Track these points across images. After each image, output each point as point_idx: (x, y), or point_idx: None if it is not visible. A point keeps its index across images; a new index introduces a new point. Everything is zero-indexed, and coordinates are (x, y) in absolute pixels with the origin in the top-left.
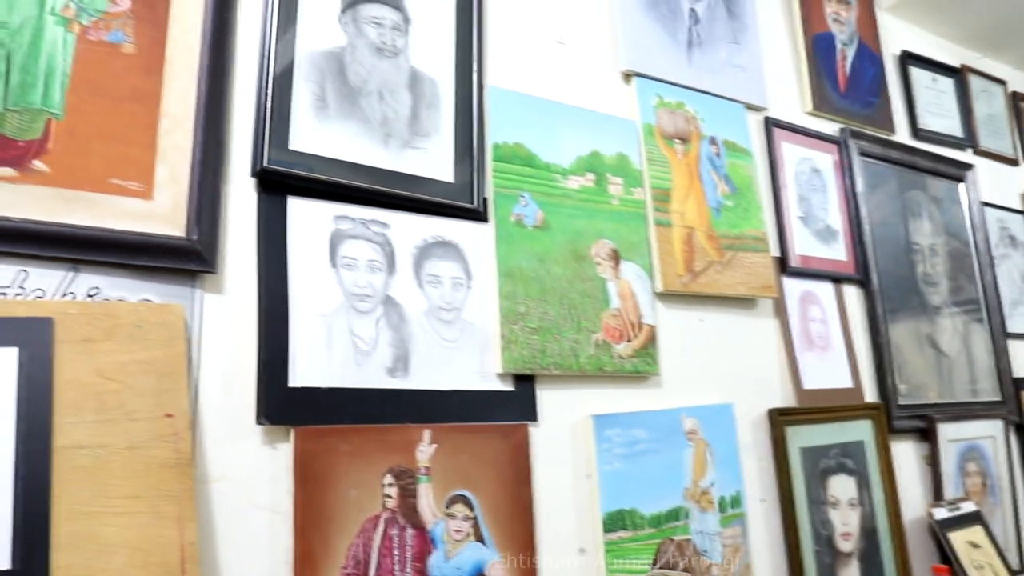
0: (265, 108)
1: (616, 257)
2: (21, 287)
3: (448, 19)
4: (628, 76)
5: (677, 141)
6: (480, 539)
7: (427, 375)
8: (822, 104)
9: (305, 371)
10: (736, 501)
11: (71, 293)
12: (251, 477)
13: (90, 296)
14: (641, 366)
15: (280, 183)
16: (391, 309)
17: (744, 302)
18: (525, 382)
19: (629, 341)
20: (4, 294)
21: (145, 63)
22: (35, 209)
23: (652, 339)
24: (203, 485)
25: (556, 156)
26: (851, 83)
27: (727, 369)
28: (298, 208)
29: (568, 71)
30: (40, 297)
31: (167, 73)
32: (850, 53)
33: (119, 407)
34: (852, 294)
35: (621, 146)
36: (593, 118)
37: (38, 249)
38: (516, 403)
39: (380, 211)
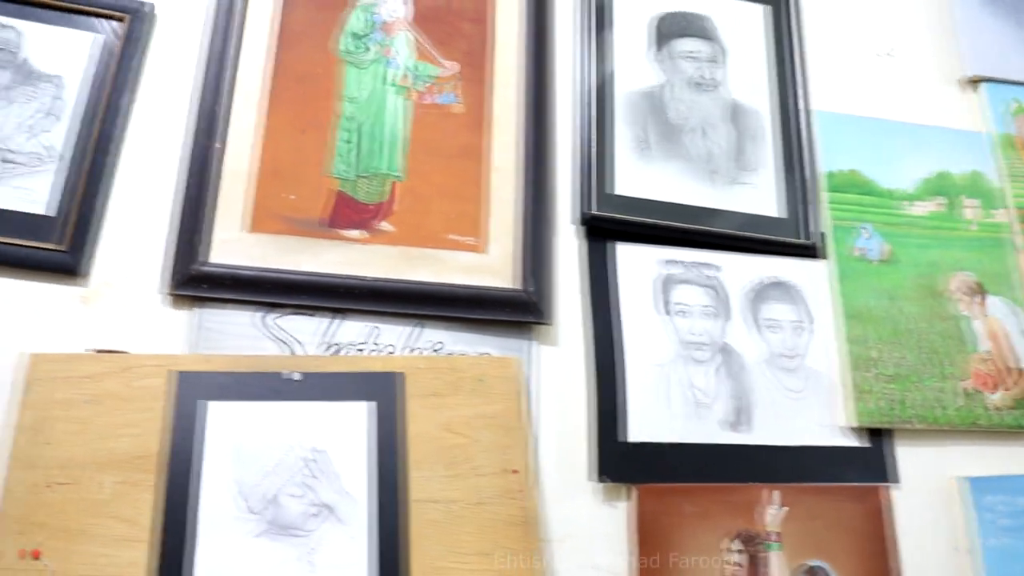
0: (588, 154)
1: (980, 291)
2: (375, 343)
3: (763, 45)
4: (974, 82)
5: None
6: None
7: (771, 429)
8: None
9: (643, 425)
10: None
11: (417, 348)
12: (589, 537)
13: (434, 351)
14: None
15: (607, 229)
16: (729, 357)
17: None
18: (881, 437)
19: (1006, 390)
20: (360, 350)
21: (473, 121)
22: (384, 268)
23: None
24: (543, 544)
25: (897, 180)
26: None
27: None
28: (626, 254)
29: (900, 85)
30: (391, 352)
31: (493, 129)
32: None
33: (466, 462)
34: None
35: (973, 163)
36: (935, 134)
37: (388, 306)
38: (872, 461)
39: (710, 253)
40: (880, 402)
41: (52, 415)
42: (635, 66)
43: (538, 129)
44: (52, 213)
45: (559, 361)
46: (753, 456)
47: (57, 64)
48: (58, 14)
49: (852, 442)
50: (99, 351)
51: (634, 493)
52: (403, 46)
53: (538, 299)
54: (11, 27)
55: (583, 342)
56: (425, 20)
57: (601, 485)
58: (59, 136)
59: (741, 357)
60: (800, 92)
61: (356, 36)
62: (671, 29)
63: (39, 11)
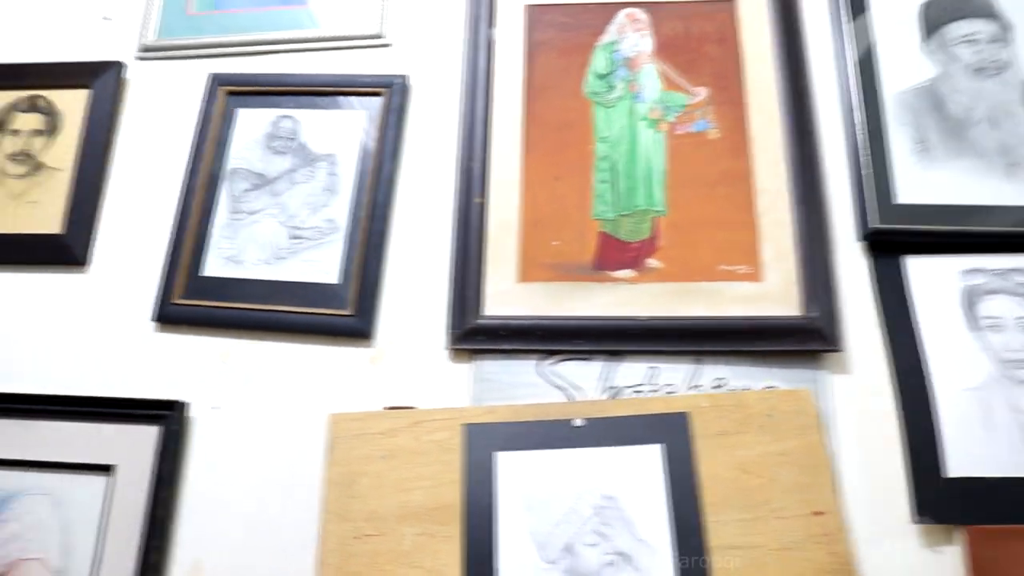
0: (862, 165)
1: None
2: (654, 384)
3: None
4: None
5: None
6: None
7: None
8: None
9: (963, 458)
10: None
11: (698, 386)
12: None
13: (716, 387)
14: None
15: (893, 243)
16: None
17: None
18: None
19: None
20: (639, 392)
21: (731, 145)
22: (655, 306)
23: None
24: None
25: None
26: None
27: None
28: (918, 267)
29: None
30: (671, 392)
31: (754, 150)
32: None
33: (764, 504)
34: None
35: None
36: None
37: (664, 345)
38: None
39: (1019, 257)
40: None
41: (355, 470)
42: (903, 62)
43: (803, 143)
44: (338, 281)
45: (854, 390)
46: None
47: (329, 143)
48: (326, 98)
49: None
50: (390, 408)
51: (964, 536)
52: (649, 79)
53: (824, 325)
54: (290, 116)
55: (880, 368)
56: (668, 49)
57: (921, 527)
58: (337, 210)
59: None
60: None
61: (600, 76)
62: (941, 14)
63: (310, 98)
